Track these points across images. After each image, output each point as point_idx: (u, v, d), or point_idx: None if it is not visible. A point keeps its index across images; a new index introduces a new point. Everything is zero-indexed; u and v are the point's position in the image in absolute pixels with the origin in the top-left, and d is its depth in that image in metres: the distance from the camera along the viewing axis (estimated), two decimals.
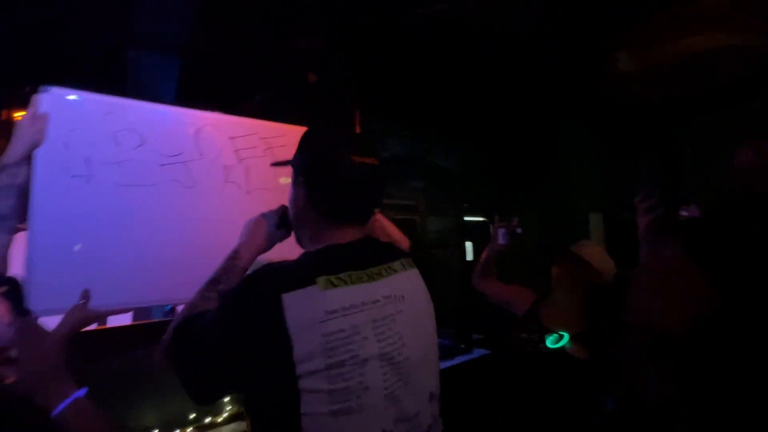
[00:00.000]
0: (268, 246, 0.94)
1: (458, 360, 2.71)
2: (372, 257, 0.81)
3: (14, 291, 0.72)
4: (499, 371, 2.32)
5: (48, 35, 1.94)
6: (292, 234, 0.93)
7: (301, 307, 0.68)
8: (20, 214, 1.07)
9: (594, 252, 1.42)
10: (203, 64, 2.66)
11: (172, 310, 2.53)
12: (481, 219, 4.16)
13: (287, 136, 1.59)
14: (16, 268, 1.10)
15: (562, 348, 1.29)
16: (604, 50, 2.64)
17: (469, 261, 3.87)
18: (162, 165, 1.31)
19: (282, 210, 0.94)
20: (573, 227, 3.63)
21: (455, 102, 3.36)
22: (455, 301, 3.39)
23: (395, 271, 0.82)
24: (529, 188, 3.91)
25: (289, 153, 1.57)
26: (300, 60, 2.74)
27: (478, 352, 2.83)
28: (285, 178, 1.55)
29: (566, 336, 1.28)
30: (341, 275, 0.74)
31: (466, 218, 3.96)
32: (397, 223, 1.84)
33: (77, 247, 1.19)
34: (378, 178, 0.84)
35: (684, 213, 1.41)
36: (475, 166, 3.96)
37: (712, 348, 0.76)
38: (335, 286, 0.72)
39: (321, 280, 0.71)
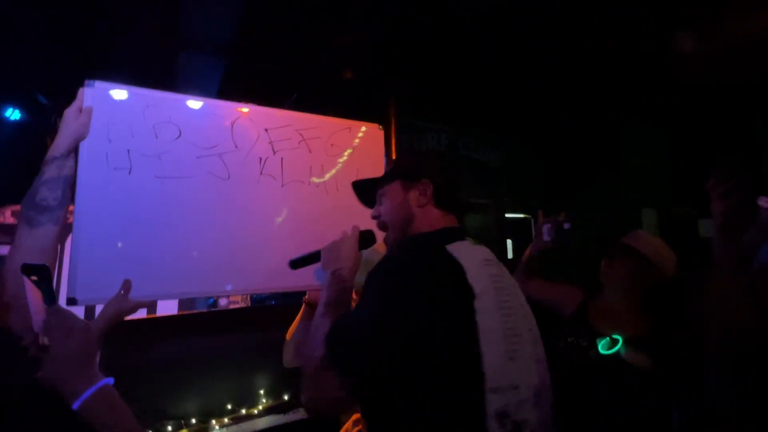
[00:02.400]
0: (357, 265, 1.05)
1: None
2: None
3: (46, 279, 0.72)
4: None
5: (96, 32, 2.03)
6: None
7: (468, 254, 0.83)
8: (66, 205, 1.11)
9: (651, 244, 1.26)
10: (243, 64, 2.72)
11: (215, 303, 2.61)
12: (522, 216, 3.98)
13: (321, 128, 1.57)
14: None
15: (616, 354, 1.15)
16: (667, 29, 2.41)
17: (510, 260, 3.71)
18: (198, 157, 1.32)
19: (365, 234, 1.11)
20: (623, 224, 3.38)
21: (495, 94, 3.22)
22: None
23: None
24: (574, 183, 3.68)
25: (324, 145, 1.59)
26: (337, 57, 2.73)
27: None
28: (316, 178, 1.52)
29: (620, 340, 1.14)
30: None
31: (507, 215, 3.79)
32: None
33: (119, 243, 1.21)
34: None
35: (763, 204, 1.23)
36: (517, 160, 3.79)
37: None
38: (476, 244, 0.89)
39: (467, 238, 0.91)
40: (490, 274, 0.83)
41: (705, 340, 0.91)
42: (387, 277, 0.79)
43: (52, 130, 1.12)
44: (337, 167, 1.57)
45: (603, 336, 1.17)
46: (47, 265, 0.73)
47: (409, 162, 1.09)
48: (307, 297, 1.35)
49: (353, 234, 1.09)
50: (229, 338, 2.07)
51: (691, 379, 1.01)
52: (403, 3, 2.23)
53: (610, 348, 1.14)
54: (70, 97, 1.16)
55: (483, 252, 0.89)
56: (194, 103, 1.37)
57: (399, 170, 1.04)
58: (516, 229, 3.84)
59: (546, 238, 1.57)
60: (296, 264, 1.15)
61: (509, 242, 3.80)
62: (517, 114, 3.45)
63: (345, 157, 1.59)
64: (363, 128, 1.66)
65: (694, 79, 2.86)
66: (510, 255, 3.76)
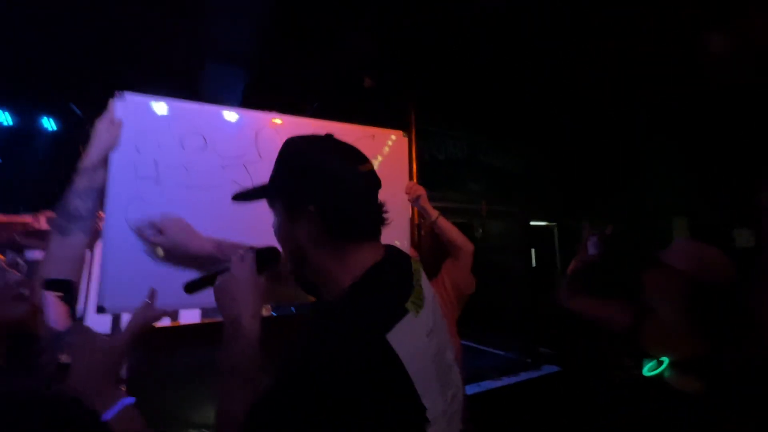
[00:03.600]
0: (263, 299, 0.78)
1: (523, 377, 2.50)
2: (408, 268, 0.74)
3: (70, 294, 0.72)
4: (574, 392, 2.08)
5: (126, 45, 2.10)
6: None
7: (412, 340, 0.62)
8: (96, 215, 1.13)
9: (699, 254, 1.13)
10: (265, 75, 2.77)
11: None
12: (546, 223, 3.88)
13: (345, 136, 1.55)
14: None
15: (660, 376, 1.06)
16: (704, 28, 2.32)
17: (534, 267, 3.61)
18: (223, 167, 1.33)
19: (263, 254, 0.80)
20: (653, 233, 3.24)
21: (517, 100, 3.17)
22: (519, 312, 3.16)
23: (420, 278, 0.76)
24: (601, 190, 3.57)
25: None
26: (356, 65, 2.74)
27: (547, 369, 2.58)
28: None
29: (666, 362, 1.07)
30: (412, 295, 0.68)
31: (532, 222, 3.70)
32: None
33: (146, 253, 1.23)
34: (377, 182, 0.76)
35: None
36: (541, 167, 3.70)
37: None
38: (420, 307, 0.67)
39: (410, 305, 0.66)
40: (434, 362, 0.66)
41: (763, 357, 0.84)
42: (311, 370, 0.58)
43: (86, 140, 1.15)
44: None
45: (651, 357, 1.09)
46: (72, 280, 0.73)
47: (285, 172, 0.75)
48: None
49: (245, 260, 0.78)
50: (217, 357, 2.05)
51: (749, 404, 0.93)
52: (422, 10, 2.22)
53: (654, 369, 1.06)
54: (102, 107, 1.19)
55: (426, 318, 0.68)
56: (219, 114, 1.39)
57: (274, 187, 0.76)
58: (540, 237, 3.75)
59: (592, 251, 1.50)
60: (191, 287, 0.84)
61: (533, 251, 3.70)
62: (539, 120, 3.39)
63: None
64: (392, 137, 1.65)
65: (730, 80, 2.74)
66: (533, 263, 3.66)
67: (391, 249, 0.77)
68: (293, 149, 0.76)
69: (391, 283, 0.69)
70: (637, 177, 3.46)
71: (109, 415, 0.63)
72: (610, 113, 3.37)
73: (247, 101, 2.64)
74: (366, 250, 0.71)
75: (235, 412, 0.63)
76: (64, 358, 0.65)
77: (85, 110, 2.60)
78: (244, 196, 0.80)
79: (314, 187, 0.70)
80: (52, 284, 0.72)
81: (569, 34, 2.37)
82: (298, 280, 0.82)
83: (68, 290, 0.72)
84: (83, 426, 0.45)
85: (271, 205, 0.77)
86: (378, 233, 0.74)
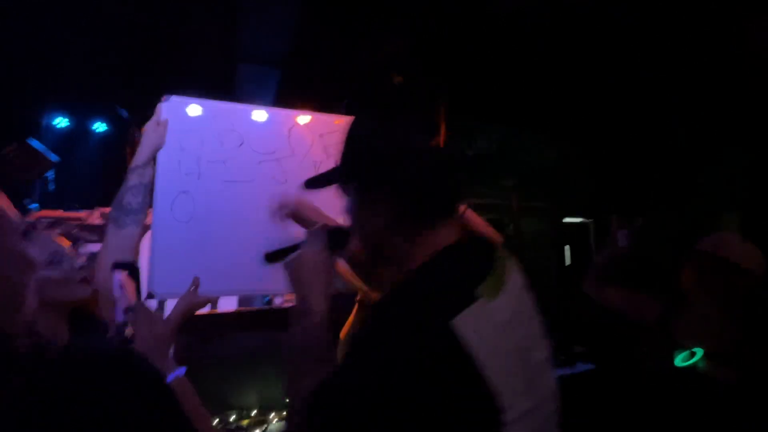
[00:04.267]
0: (331, 279, 0.75)
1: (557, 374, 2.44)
2: (489, 254, 0.68)
3: (136, 275, 0.81)
4: (609, 390, 2.03)
5: (168, 52, 2.24)
6: None
7: (486, 326, 0.56)
8: (146, 208, 1.22)
9: (739, 246, 1.13)
10: (297, 73, 2.85)
11: (270, 301, 2.73)
12: (580, 220, 3.76)
13: None
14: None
15: (694, 367, 1.04)
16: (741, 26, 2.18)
17: (568, 266, 3.52)
18: (259, 162, 1.40)
19: (334, 234, 0.77)
20: (701, 232, 3.07)
21: (551, 94, 3.09)
22: (553, 309, 3.09)
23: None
24: (642, 185, 3.41)
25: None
26: (386, 61, 2.77)
27: (580, 367, 2.53)
28: None
29: (699, 352, 1.04)
30: (487, 281, 0.61)
31: (566, 219, 3.60)
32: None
33: (190, 243, 1.31)
34: (454, 157, 0.72)
35: None
36: (575, 162, 3.59)
37: None
38: (495, 294, 0.59)
39: (482, 290, 0.59)
40: (518, 357, 0.59)
41: None
42: (371, 357, 0.56)
43: (133, 141, 1.25)
44: None
45: (684, 348, 1.07)
46: (136, 263, 0.81)
47: (357, 153, 0.70)
48: (360, 295, 1.37)
49: (315, 237, 0.75)
50: (283, 335, 2.14)
51: None
52: (450, 6, 2.21)
53: (687, 360, 1.04)
54: (146, 110, 1.29)
55: (505, 306, 0.61)
56: (254, 113, 1.46)
57: (346, 170, 0.72)
58: (575, 234, 3.64)
59: (622, 243, 1.47)
60: (271, 257, 0.83)
61: (567, 248, 3.61)
62: (572, 113, 3.28)
63: None
64: None
65: None
66: (568, 261, 3.57)
67: (471, 234, 0.74)
68: (362, 130, 0.72)
69: (462, 267, 0.64)
70: (683, 171, 3.28)
71: (168, 379, 0.70)
72: (645, 107, 3.22)
73: (280, 99, 2.73)
74: (441, 233, 0.67)
75: (302, 390, 0.61)
76: (128, 331, 0.73)
77: (132, 113, 2.78)
78: (315, 183, 0.77)
79: (389, 167, 0.65)
80: (121, 265, 0.81)
81: (596, 26, 2.29)
82: (366, 266, 0.82)
83: (134, 270, 0.81)
84: (154, 378, 0.51)
85: (344, 189, 0.73)
86: (454, 212, 0.70)
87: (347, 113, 1.62)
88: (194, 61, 2.42)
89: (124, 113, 3.02)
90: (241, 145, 1.39)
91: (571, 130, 3.46)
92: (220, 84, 2.55)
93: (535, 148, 3.51)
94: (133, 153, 1.23)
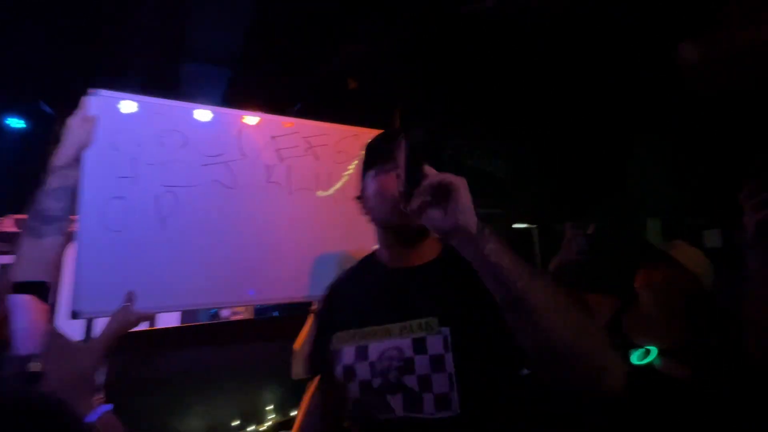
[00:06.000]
0: None
1: None
2: None
3: (44, 297, 0.68)
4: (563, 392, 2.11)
5: (101, 41, 2.03)
6: None
7: None
8: (70, 215, 1.08)
9: (690, 254, 1.24)
10: (247, 75, 2.72)
11: (216, 314, 2.56)
12: (526, 226, 3.93)
13: (328, 135, 1.54)
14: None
15: (650, 365, 1.12)
16: (672, 37, 2.40)
17: None
18: (204, 165, 1.30)
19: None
20: (628, 235, 3.33)
21: (499, 102, 3.21)
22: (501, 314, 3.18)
23: None
24: (577, 192, 3.64)
25: (331, 152, 1.57)
26: (341, 67, 2.73)
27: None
28: (323, 186, 1.50)
29: (654, 351, 1.11)
30: None
31: (514, 225, 3.75)
32: None
33: (123, 254, 1.18)
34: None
35: None
36: (523, 169, 3.76)
37: None
38: None
39: None
40: None
41: (744, 349, 0.87)
42: None
43: (56, 140, 1.10)
44: (346, 174, 1.55)
45: (636, 347, 1.14)
46: (46, 281, 0.69)
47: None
48: (314, 306, 1.31)
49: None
50: (232, 351, 2.02)
51: (733, 387, 0.98)
52: (407, 13, 2.23)
53: (643, 358, 1.11)
54: (74, 106, 1.15)
55: None
56: (200, 112, 1.35)
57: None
58: (518, 241, 3.80)
59: (575, 250, 1.55)
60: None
61: None
62: (521, 122, 3.44)
63: (353, 165, 1.57)
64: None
65: (702, 85, 2.85)
66: None
67: None
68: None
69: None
70: (616, 181, 3.54)
71: (86, 421, 0.59)
72: (589, 116, 3.45)
73: (229, 100, 2.60)
74: None
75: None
76: (33, 367, 0.60)
77: (57, 108, 2.50)
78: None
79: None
80: (21, 287, 0.67)
81: (555, 34, 2.42)
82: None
83: (41, 292, 0.68)
84: (73, 428, 0.42)
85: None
86: None
87: (299, 117, 1.56)
88: (132, 52, 2.22)
89: (47, 109, 2.71)
90: (183, 146, 1.28)
91: (519, 140, 3.62)
92: (162, 80, 2.36)
93: (484, 156, 3.62)
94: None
